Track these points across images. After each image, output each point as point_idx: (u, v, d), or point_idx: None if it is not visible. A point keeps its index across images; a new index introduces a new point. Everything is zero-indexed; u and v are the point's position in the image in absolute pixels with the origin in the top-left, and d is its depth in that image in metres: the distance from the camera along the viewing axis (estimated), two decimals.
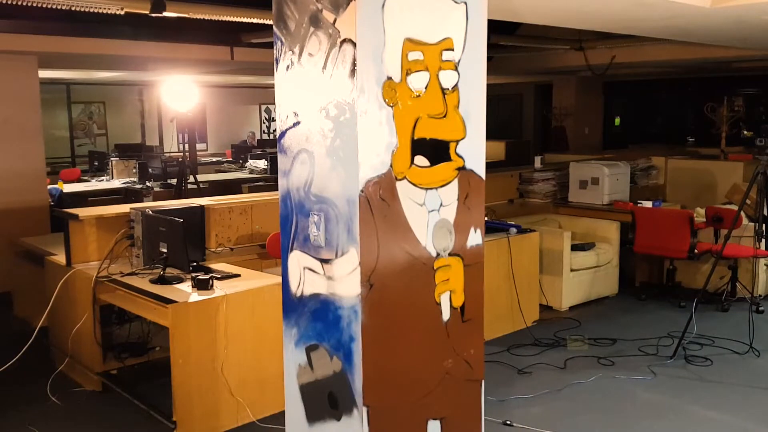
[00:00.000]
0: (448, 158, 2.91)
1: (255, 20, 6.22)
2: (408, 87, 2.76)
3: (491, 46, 8.44)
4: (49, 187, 8.45)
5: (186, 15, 5.80)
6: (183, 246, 4.29)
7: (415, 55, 2.77)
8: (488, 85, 3.05)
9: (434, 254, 2.89)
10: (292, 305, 3.10)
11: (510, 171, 8.38)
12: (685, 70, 12.24)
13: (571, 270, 6.47)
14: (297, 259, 3.03)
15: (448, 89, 2.88)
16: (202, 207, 5.35)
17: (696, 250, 6.43)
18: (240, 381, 4.15)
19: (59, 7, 5.29)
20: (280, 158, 3.08)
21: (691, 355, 5.30)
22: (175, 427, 3.96)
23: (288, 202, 3.05)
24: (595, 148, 13.18)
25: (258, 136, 15.27)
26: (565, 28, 6.71)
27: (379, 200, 2.73)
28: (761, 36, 6.59)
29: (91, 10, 5.51)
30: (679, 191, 8.38)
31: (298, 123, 2.96)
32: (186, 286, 4.25)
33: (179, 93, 8.69)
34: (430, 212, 2.88)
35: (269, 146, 12.95)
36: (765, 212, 5.51)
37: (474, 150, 2.99)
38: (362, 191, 2.68)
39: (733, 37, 6.86)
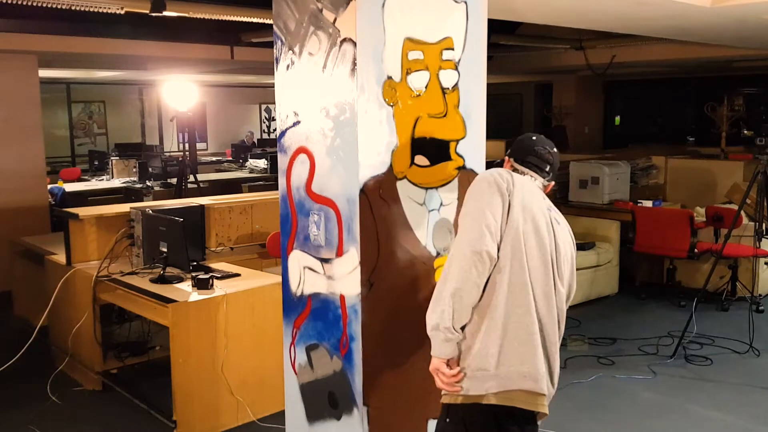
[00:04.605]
0: (448, 158, 2.91)
1: (255, 20, 6.21)
2: (408, 86, 2.76)
3: (491, 46, 8.43)
4: (51, 186, 8.46)
5: (186, 14, 5.80)
6: (183, 245, 4.28)
7: (415, 55, 2.77)
8: (488, 85, 3.05)
9: (434, 253, 2.89)
10: (292, 305, 3.10)
11: None
12: (685, 69, 12.23)
13: None
14: (297, 259, 3.03)
15: (448, 89, 2.88)
16: (202, 206, 5.34)
17: (696, 250, 6.43)
18: (240, 380, 4.15)
19: (59, 7, 5.29)
20: (280, 157, 3.08)
21: (691, 354, 5.30)
22: (175, 426, 3.96)
23: (288, 202, 3.05)
24: (596, 147, 13.17)
25: (258, 136, 15.26)
26: (565, 27, 6.71)
27: (380, 199, 2.73)
28: (761, 36, 6.59)
29: (92, 10, 5.50)
30: (679, 191, 8.37)
31: (298, 122, 2.96)
32: (186, 286, 4.25)
33: (179, 92, 8.69)
34: (431, 211, 2.88)
35: (269, 146, 12.94)
36: (765, 212, 5.50)
37: (474, 149, 2.99)
38: (362, 190, 2.68)
39: (733, 37, 6.86)
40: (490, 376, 2.24)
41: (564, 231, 2.44)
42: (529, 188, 2.37)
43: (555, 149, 2.52)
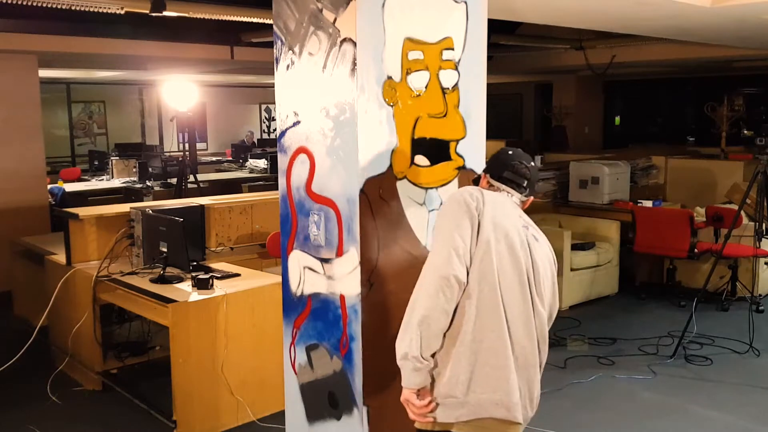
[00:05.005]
0: (448, 157, 2.92)
1: (255, 20, 6.22)
2: (408, 86, 2.76)
3: (491, 46, 8.43)
4: (51, 186, 8.46)
5: (186, 14, 5.80)
6: (183, 245, 4.28)
7: (415, 55, 2.77)
8: (488, 85, 3.05)
9: None
10: (292, 305, 3.10)
11: None
12: (685, 69, 12.24)
13: (572, 269, 6.46)
14: (297, 259, 3.03)
15: (448, 89, 2.88)
16: (202, 206, 5.35)
17: (696, 250, 6.43)
18: (240, 380, 4.15)
19: (59, 7, 5.29)
20: (280, 157, 3.08)
21: (691, 354, 5.30)
22: (175, 426, 3.96)
23: (288, 202, 3.05)
24: (596, 147, 13.17)
25: (258, 136, 15.27)
26: (565, 27, 6.71)
27: (379, 199, 2.73)
28: (761, 36, 6.59)
29: (92, 10, 5.51)
30: (679, 191, 8.37)
31: (298, 122, 2.96)
32: (186, 286, 4.25)
33: (179, 92, 8.69)
34: (430, 211, 2.88)
35: (269, 146, 12.95)
36: (765, 212, 5.49)
37: (474, 149, 2.99)
38: (362, 190, 2.68)
39: (733, 37, 6.86)
40: (459, 403, 2.18)
41: (543, 248, 2.36)
42: (503, 206, 2.28)
43: (533, 163, 2.43)
